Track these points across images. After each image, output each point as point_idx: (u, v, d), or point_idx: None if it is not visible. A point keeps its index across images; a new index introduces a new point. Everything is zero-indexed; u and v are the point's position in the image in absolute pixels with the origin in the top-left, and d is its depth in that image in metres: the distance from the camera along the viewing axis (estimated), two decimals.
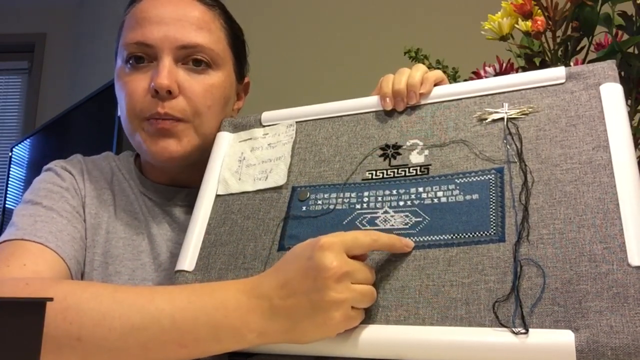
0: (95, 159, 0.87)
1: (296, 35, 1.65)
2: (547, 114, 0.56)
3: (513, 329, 0.44)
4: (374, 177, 0.60)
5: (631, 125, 0.70)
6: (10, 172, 2.72)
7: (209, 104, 0.78)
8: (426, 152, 0.60)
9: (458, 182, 0.56)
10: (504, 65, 0.74)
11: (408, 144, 0.61)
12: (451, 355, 0.46)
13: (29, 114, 3.18)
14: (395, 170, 0.60)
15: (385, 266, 0.54)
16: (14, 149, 2.73)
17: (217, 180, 0.71)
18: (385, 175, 0.60)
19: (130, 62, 0.77)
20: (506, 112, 0.58)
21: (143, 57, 0.77)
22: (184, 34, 0.77)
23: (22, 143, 2.69)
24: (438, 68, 0.76)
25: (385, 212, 0.57)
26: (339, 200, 0.60)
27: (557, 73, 0.58)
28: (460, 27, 1.46)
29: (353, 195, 0.60)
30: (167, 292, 0.59)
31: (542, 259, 0.47)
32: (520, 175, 0.53)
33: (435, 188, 0.56)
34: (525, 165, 0.53)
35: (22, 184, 2.64)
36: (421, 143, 0.61)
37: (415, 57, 0.76)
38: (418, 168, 0.59)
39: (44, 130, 2.53)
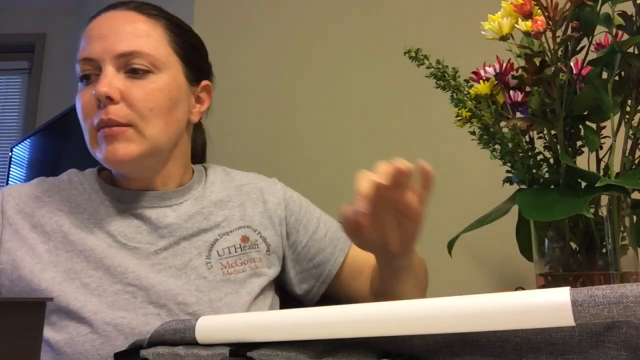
0: (54, 180, 0.92)
1: (295, 34, 1.65)
2: None
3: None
4: None
5: (631, 125, 0.70)
6: (10, 172, 2.72)
7: (151, 107, 0.82)
8: None
9: None
10: (504, 65, 0.74)
11: None
12: (449, 323, 0.45)
13: (29, 114, 3.18)
14: None
15: None
16: (14, 149, 2.73)
17: None
18: None
19: (83, 80, 0.84)
20: None
21: (91, 74, 0.83)
22: (120, 44, 0.82)
23: (22, 143, 2.68)
24: (438, 68, 0.76)
25: None
26: None
27: None
28: (460, 27, 1.46)
29: None
30: None
31: None
32: None
33: None
34: None
35: None
36: None
37: (416, 57, 0.76)
38: None
39: (44, 130, 2.52)
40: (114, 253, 0.83)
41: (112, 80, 0.80)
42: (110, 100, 0.79)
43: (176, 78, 0.86)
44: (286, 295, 0.99)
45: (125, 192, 0.89)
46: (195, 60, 0.91)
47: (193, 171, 0.96)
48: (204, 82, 0.93)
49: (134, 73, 0.82)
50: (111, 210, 0.87)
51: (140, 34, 0.84)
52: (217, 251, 0.88)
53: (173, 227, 0.87)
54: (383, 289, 0.87)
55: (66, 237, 0.83)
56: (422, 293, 0.91)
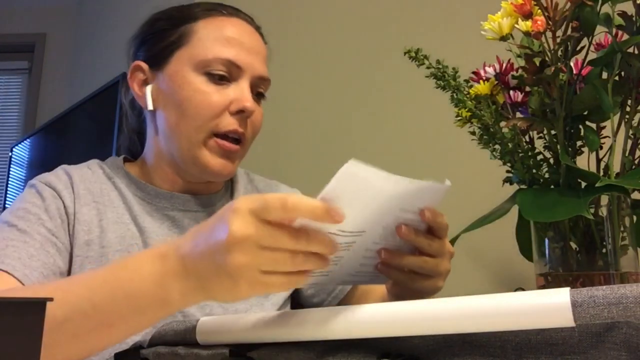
0: (81, 168, 0.88)
1: (294, 34, 1.65)
2: None
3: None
4: None
5: (631, 125, 0.70)
6: (10, 172, 2.72)
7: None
8: None
9: None
10: (504, 65, 0.74)
11: None
12: (449, 324, 0.45)
13: (29, 114, 3.18)
14: None
15: None
16: (14, 149, 2.73)
17: None
18: None
19: (212, 76, 0.82)
20: None
21: (225, 75, 0.83)
22: (262, 66, 0.87)
23: (22, 143, 2.69)
24: (438, 68, 0.76)
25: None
26: None
27: None
28: (460, 27, 1.45)
29: None
30: (86, 277, 0.61)
31: None
32: None
33: None
34: None
35: (22, 184, 2.64)
36: None
37: (416, 57, 0.76)
38: None
39: (44, 130, 2.52)
40: None
41: (252, 99, 0.84)
42: (249, 117, 0.84)
43: None
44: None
45: (159, 191, 0.87)
46: None
47: None
48: None
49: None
50: (142, 208, 0.85)
51: (267, 63, 0.90)
52: None
53: None
54: None
55: (100, 235, 0.81)
56: None
